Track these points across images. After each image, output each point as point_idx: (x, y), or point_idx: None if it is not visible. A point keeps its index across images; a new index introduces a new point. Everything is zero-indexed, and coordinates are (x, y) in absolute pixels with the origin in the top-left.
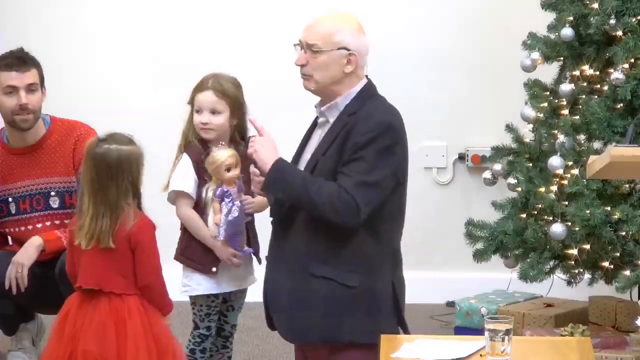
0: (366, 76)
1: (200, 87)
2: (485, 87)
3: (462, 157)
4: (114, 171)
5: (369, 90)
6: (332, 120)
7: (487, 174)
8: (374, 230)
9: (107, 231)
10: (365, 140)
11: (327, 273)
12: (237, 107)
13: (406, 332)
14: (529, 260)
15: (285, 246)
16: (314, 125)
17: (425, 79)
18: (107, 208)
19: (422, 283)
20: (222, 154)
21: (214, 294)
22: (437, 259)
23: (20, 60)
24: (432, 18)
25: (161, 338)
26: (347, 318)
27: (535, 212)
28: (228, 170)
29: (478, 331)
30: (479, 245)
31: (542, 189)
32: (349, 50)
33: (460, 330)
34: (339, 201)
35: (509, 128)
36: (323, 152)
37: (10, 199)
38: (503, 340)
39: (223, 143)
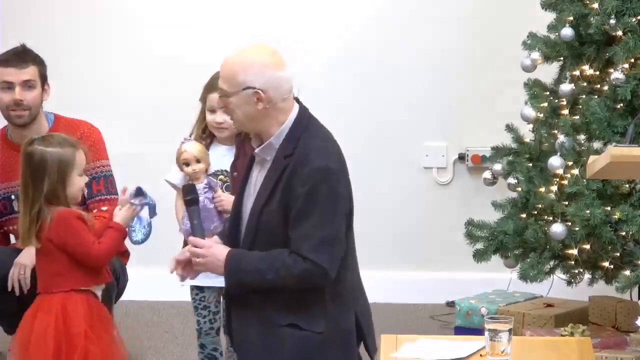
0: (297, 100)
1: (211, 87)
2: (486, 87)
3: (462, 157)
4: (34, 172)
5: (301, 123)
6: (269, 158)
7: (487, 174)
8: None
9: (27, 231)
10: (308, 192)
11: (292, 320)
12: None
13: (372, 356)
14: (529, 260)
15: (247, 297)
16: (252, 160)
17: (425, 79)
18: (25, 208)
19: (422, 283)
20: (182, 148)
21: (197, 287)
22: (437, 259)
23: (19, 56)
24: (432, 18)
25: (74, 339)
26: None
27: (535, 212)
28: (186, 165)
29: (478, 331)
30: (479, 245)
31: (542, 189)
32: (254, 88)
33: (460, 330)
34: (301, 274)
35: (509, 128)
36: (264, 202)
37: (12, 197)
38: (503, 340)
39: (188, 137)
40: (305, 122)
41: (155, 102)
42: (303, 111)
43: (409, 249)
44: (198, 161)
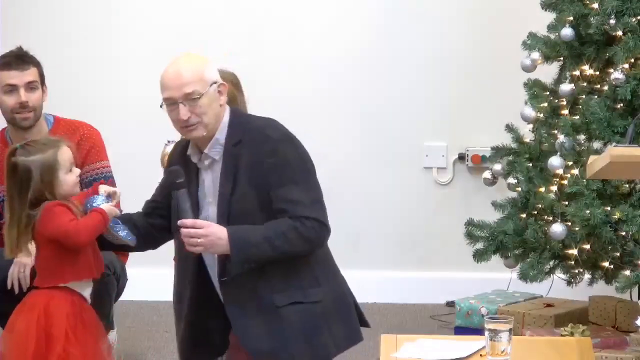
0: None
1: None
2: (485, 87)
3: (462, 157)
4: (19, 183)
5: (235, 113)
6: (217, 157)
7: (487, 174)
8: None
9: (15, 241)
10: (279, 160)
11: (292, 298)
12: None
13: (365, 325)
14: (529, 260)
15: (238, 288)
16: (195, 173)
17: (425, 79)
18: (12, 219)
19: (422, 283)
20: (165, 150)
21: None
22: (437, 259)
23: (19, 58)
24: (432, 17)
25: (53, 340)
26: (326, 332)
27: (535, 212)
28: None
29: (478, 331)
30: (479, 245)
31: (542, 189)
32: (217, 82)
33: (460, 330)
34: (308, 232)
35: (509, 128)
36: (230, 192)
37: None
38: (503, 340)
39: (172, 140)
40: (239, 112)
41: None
42: (233, 107)
43: (409, 249)
44: None
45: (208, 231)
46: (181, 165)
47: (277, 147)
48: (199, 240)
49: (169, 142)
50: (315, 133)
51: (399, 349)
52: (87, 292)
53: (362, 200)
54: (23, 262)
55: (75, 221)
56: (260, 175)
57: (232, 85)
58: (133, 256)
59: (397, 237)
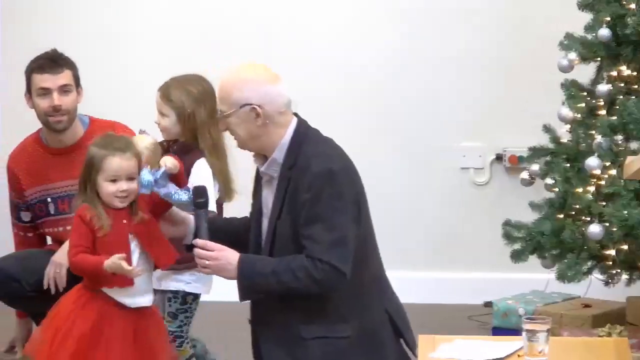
0: (295, 114)
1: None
2: (523, 87)
3: (499, 158)
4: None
5: (299, 134)
6: (275, 175)
7: (524, 175)
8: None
9: None
10: (311, 196)
11: (318, 332)
12: (182, 113)
13: (413, 350)
14: (566, 261)
15: (268, 310)
16: (259, 184)
17: (462, 79)
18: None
19: (460, 283)
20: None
21: (195, 294)
22: (475, 260)
23: (53, 61)
24: (469, 18)
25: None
26: None
27: (573, 213)
28: None
29: (515, 332)
30: (517, 246)
31: (580, 190)
32: (250, 104)
33: (497, 331)
34: (318, 274)
35: (546, 128)
36: (277, 215)
37: (49, 199)
38: (540, 340)
39: (143, 130)
40: (304, 132)
41: None
42: (301, 123)
43: (447, 250)
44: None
45: (219, 254)
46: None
47: (313, 182)
48: (207, 262)
49: (140, 131)
50: (353, 134)
51: (436, 349)
52: (129, 299)
53: (400, 200)
54: (59, 262)
55: (75, 254)
56: (295, 208)
57: (186, 95)
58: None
59: (435, 237)
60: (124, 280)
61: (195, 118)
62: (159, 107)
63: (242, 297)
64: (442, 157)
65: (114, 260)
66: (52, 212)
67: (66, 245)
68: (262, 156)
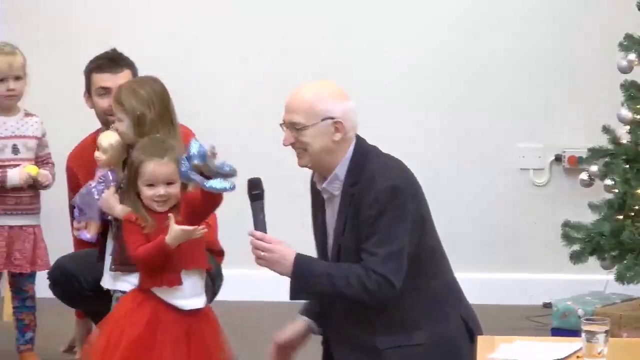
0: None
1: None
2: (582, 88)
3: (558, 159)
4: None
5: (361, 151)
6: (337, 193)
7: (583, 176)
8: (417, 282)
9: None
10: (376, 213)
11: (394, 342)
12: (134, 116)
13: None
14: (625, 262)
15: (342, 324)
16: (320, 202)
17: (521, 80)
18: None
19: (519, 284)
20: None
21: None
22: (534, 260)
23: (113, 61)
24: (527, 18)
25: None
26: None
27: (632, 214)
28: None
29: (575, 332)
30: (576, 247)
31: (639, 191)
32: (333, 118)
33: (556, 332)
34: (371, 284)
35: (606, 129)
36: (342, 232)
37: None
38: (600, 341)
39: (112, 126)
40: (365, 148)
41: (246, 108)
42: (360, 140)
43: (506, 250)
44: (106, 151)
45: (274, 247)
46: (314, 188)
47: (377, 199)
48: (262, 253)
49: (110, 128)
50: (411, 134)
51: (495, 350)
52: (181, 301)
53: (458, 201)
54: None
55: (135, 248)
56: (358, 224)
57: (136, 98)
58: (229, 256)
59: (494, 238)
60: (172, 279)
61: (145, 120)
62: (114, 112)
63: (293, 295)
64: (501, 158)
65: (174, 230)
66: None
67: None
68: (322, 174)
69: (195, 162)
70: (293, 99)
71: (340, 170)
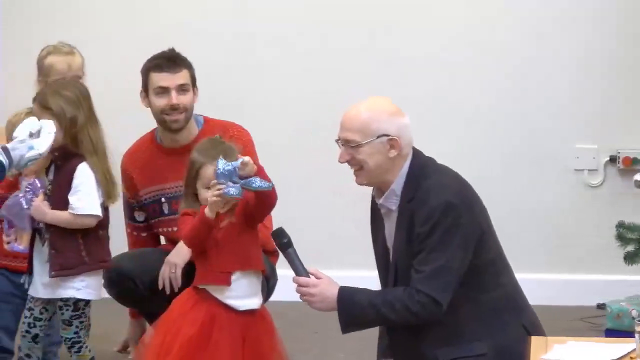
0: None
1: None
2: (637, 89)
3: (613, 160)
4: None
5: (417, 166)
6: (394, 208)
7: (637, 177)
8: (476, 294)
9: None
10: (427, 230)
11: (454, 353)
12: (63, 119)
13: None
14: None
15: (403, 338)
16: (380, 216)
17: (575, 80)
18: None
19: (573, 285)
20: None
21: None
22: (588, 261)
23: (171, 60)
24: (581, 18)
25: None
26: None
27: None
28: None
29: (629, 334)
30: (630, 248)
31: None
32: (388, 135)
33: (610, 333)
34: (415, 307)
35: None
36: (398, 247)
37: (162, 199)
38: None
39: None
40: (422, 162)
41: (304, 107)
42: (417, 153)
43: (559, 251)
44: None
45: (316, 291)
46: (374, 202)
47: (430, 215)
48: (306, 298)
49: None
50: (465, 134)
51: (548, 351)
52: (237, 301)
53: (512, 201)
54: (173, 262)
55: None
56: (413, 240)
57: (64, 102)
58: (283, 257)
59: (547, 238)
60: (222, 278)
61: (76, 122)
62: (37, 117)
63: (343, 329)
64: (555, 159)
65: (209, 203)
66: (165, 212)
67: (180, 245)
68: (380, 188)
69: (222, 180)
70: (348, 116)
71: (397, 185)
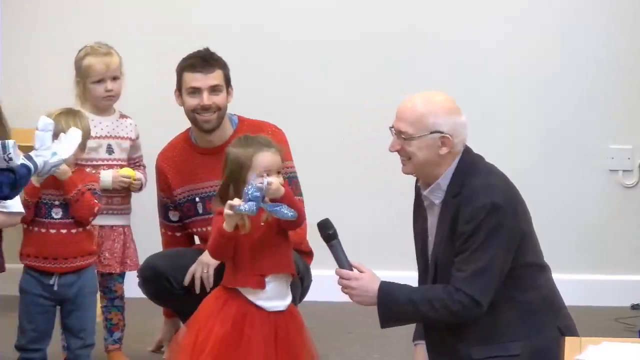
0: None
1: None
2: None
3: None
4: (222, 171)
5: (466, 163)
6: (437, 202)
7: None
8: (513, 295)
9: None
10: (471, 229)
11: (488, 352)
12: None
13: None
14: None
15: (438, 336)
16: (423, 206)
17: (610, 81)
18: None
19: (607, 285)
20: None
21: None
22: (622, 261)
23: (205, 61)
24: (616, 17)
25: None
26: None
27: None
28: None
29: None
30: None
31: None
32: (441, 132)
33: None
34: (454, 306)
35: None
36: (439, 242)
37: (197, 199)
38: None
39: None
40: (470, 160)
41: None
42: (467, 150)
43: (594, 251)
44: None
45: (357, 284)
46: (418, 191)
47: (474, 215)
48: (347, 290)
49: None
50: (499, 135)
51: (582, 352)
52: (266, 302)
53: (546, 201)
54: (206, 262)
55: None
56: (455, 237)
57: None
58: (317, 257)
59: (582, 239)
60: (257, 281)
61: None
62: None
63: (383, 324)
64: (590, 159)
65: (226, 214)
66: (200, 211)
67: None
68: (426, 181)
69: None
70: (404, 106)
71: (444, 180)
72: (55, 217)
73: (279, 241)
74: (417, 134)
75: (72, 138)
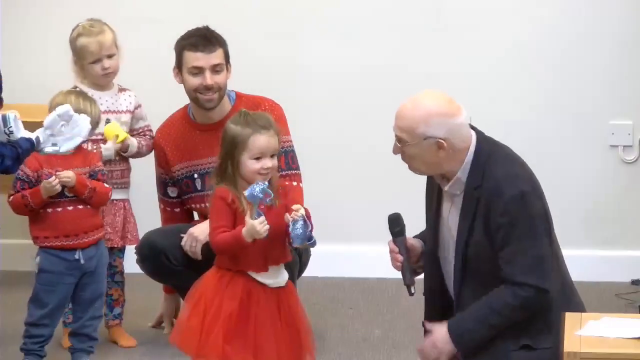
0: (472, 127)
1: None
2: None
3: None
4: (219, 146)
5: (482, 152)
6: (458, 193)
7: None
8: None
9: None
10: (507, 221)
11: (523, 342)
12: None
13: None
14: None
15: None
16: (437, 190)
17: (610, 56)
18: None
19: (607, 261)
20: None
21: None
22: (623, 238)
23: (206, 39)
24: None
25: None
26: None
27: None
28: None
29: None
30: None
31: None
32: (435, 137)
33: None
34: (520, 302)
35: None
36: (466, 236)
37: (195, 175)
38: None
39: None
40: (487, 149)
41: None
42: (480, 138)
43: (594, 228)
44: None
45: (430, 343)
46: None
47: (508, 206)
48: (427, 353)
49: None
50: (499, 111)
51: (582, 327)
52: (270, 280)
53: (547, 177)
54: (195, 236)
55: (217, 234)
56: (490, 230)
57: None
58: (316, 233)
59: (582, 215)
60: (256, 264)
61: None
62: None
63: (465, 358)
64: (590, 135)
65: (249, 224)
66: (198, 188)
67: (208, 221)
68: (443, 176)
69: (250, 201)
70: (399, 113)
71: (462, 174)
72: (69, 194)
73: (283, 234)
74: (412, 141)
75: (78, 135)
